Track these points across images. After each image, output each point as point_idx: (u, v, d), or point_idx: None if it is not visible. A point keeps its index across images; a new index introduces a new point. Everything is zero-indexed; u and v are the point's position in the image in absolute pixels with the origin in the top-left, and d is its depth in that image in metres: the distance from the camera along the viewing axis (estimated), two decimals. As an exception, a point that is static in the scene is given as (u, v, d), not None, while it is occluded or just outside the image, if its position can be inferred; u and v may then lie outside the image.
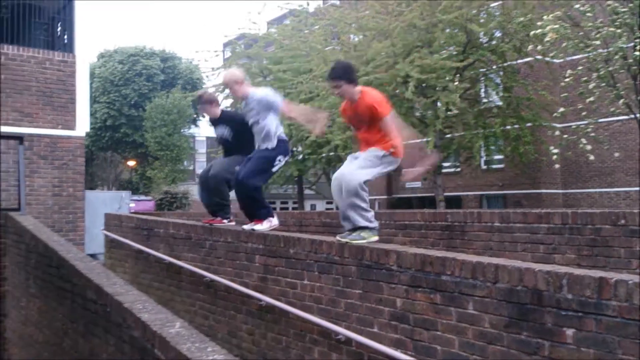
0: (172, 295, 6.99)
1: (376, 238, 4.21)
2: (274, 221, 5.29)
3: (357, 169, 3.97)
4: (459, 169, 24.54)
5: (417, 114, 18.43)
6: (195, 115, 37.82)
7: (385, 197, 29.25)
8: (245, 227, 5.27)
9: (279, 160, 5.03)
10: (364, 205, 4.01)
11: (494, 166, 24.17)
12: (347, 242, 4.18)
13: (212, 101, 5.99)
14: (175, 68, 40.32)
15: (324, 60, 17.74)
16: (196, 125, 40.49)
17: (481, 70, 18.65)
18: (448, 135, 18.39)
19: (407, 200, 28.65)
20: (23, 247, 7.17)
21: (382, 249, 4.09)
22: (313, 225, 7.89)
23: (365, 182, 3.97)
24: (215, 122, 5.98)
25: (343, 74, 3.98)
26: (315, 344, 4.70)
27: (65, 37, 11.81)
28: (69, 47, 11.56)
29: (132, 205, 19.47)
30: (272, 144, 4.96)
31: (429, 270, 3.73)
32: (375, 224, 4.18)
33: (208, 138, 42.96)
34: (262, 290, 5.48)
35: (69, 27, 11.69)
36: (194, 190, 24.33)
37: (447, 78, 16.62)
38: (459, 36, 17.25)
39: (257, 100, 4.99)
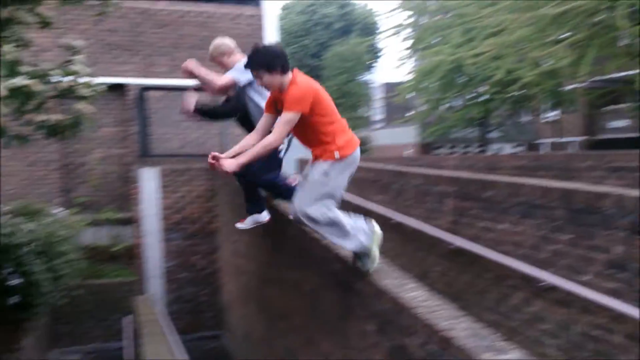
0: (362, 236, 7.32)
1: (376, 246, 3.67)
2: (262, 217, 4.96)
3: (306, 199, 3.42)
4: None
5: (624, 42, 16.12)
6: (371, 62, 38.12)
7: (584, 137, 26.64)
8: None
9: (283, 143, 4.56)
10: (332, 230, 3.49)
11: None
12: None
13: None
14: (351, 14, 40.73)
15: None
16: (372, 72, 40.85)
17: None
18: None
19: (610, 142, 25.73)
20: (230, 188, 8.07)
21: (595, 192, 3.76)
22: (505, 168, 7.54)
23: (324, 209, 3.44)
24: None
25: (261, 63, 3.39)
26: (514, 289, 4.58)
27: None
28: (256, 2, 12.28)
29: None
30: None
31: (655, 216, 3.35)
32: (364, 229, 3.59)
33: (384, 84, 43.08)
34: (454, 233, 5.45)
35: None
36: (373, 137, 24.73)
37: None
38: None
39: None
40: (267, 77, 3.40)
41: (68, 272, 6.38)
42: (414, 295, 3.44)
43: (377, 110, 44.26)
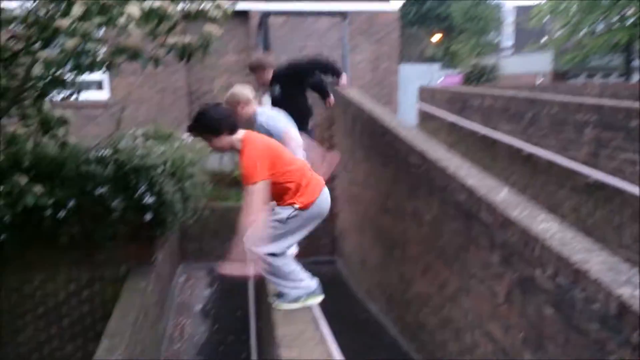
0: (486, 168, 7.04)
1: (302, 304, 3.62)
2: None
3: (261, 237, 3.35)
4: None
5: None
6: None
7: None
8: None
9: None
10: (270, 268, 3.49)
11: None
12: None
13: (257, 67, 5.46)
14: None
15: None
16: (503, -6, 37.80)
17: None
18: None
19: None
20: (349, 117, 8.06)
21: None
22: (658, 96, 6.74)
23: (273, 254, 3.43)
24: (270, 86, 5.52)
25: (206, 127, 3.34)
26: (660, 228, 4.18)
27: None
28: None
29: (441, 79, 19.85)
30: None
31: None
32: (304, 287, 3.60)
33: (516, 7, 39.84)
34: (592, 166, 5.04)
35: None
36: (501, 65, 23.25)
37: None
38: None
39: (259, 124, 4.46)
40: (215, 141, 3.35)
41: (195, 193, 6.84)
42: (545, 227, 3.26)
43: (506, 36, 41.35)
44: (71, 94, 5.10)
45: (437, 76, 15.78)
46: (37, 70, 4.35)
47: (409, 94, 10.86)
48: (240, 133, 3.36)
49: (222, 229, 9.35)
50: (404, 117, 12.39)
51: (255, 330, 6.02)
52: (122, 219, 5.33)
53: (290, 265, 3.56)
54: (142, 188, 5.56)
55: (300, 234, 3.48)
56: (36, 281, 5.68)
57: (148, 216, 5.41)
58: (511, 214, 3.46)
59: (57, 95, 5.07)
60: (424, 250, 5.11)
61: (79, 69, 4.22)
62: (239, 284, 8.78)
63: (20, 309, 5.71)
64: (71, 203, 4.96)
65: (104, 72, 4.75)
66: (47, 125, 5.29)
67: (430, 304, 4.97)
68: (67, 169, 5.15)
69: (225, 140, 3.33)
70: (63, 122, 5.46)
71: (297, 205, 3.34)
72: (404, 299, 5.84)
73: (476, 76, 19.94)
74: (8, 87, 4.69)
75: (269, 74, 5.43)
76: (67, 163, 5.21)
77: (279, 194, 3.37)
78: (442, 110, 8.18)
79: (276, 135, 4.19)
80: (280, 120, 4.49)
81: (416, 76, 14.41)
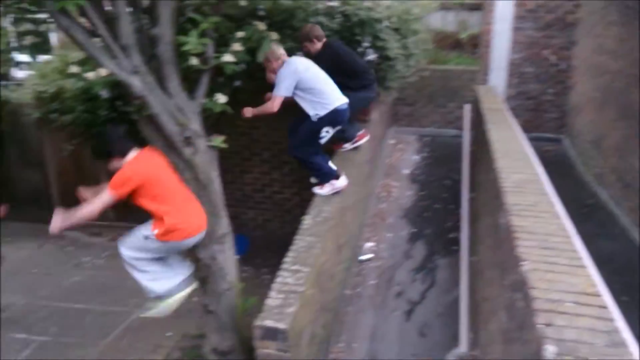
0: None
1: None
2: (338, 183, 4.71)
3: (127, 240, 3.73)
4: None
5: None
6: None
7: None
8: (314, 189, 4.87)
9: (327, 132, 4.67)
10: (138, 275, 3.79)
11: None
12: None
13: (305, 39, 5.11)
14: None
15: None
16: None
17: None
18: None
19: None
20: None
21: None
22: None
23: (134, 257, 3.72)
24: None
25: (102, 153, 3.66)
26: None
27: None
28: None
29: None
30: (317, 113, 4.59)
31: None
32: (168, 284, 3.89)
33: None
34: None
35: None
36: None
37: None
38: None
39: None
40: (112, 163, 3.58)
41: (417, 52, 6.65)
42: None
43: None
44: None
45: None
46: None
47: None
48: (132, 154, 3.59)
49: (437, 94, 9.14)
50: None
51: (467, 201, 5.98)
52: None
53: (151, 266, 3.80)
54: (366, 43, 5.56)
55: (161, 255, 3.76)
56: (263, 128, 6.25)
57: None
58: None
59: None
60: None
61: None
62: (451, 153, 8.71)
63: (250, 151, 6.40)
64: (299, 53, 5.17)
65: None
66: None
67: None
68: (297, 19, 5.31)
69: (119, 163, 3.58)
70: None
71: (155, 232, 3.59)
72: (647, 188, 5.19)
73: None
74: None
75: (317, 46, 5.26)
76: (297, 13, 5.36)
77: (149, 210, 3.61)
78: None
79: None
80: (287, 78, 4.50)
81: None
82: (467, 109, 8.23)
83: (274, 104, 4.53)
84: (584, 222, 5.86)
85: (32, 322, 5.36)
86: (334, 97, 4.60)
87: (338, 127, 4.75)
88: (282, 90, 4.50)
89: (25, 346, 4.98)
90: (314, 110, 4.56)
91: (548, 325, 2.07)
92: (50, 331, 5.22)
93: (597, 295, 2.23)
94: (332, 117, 4.59)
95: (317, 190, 4.73)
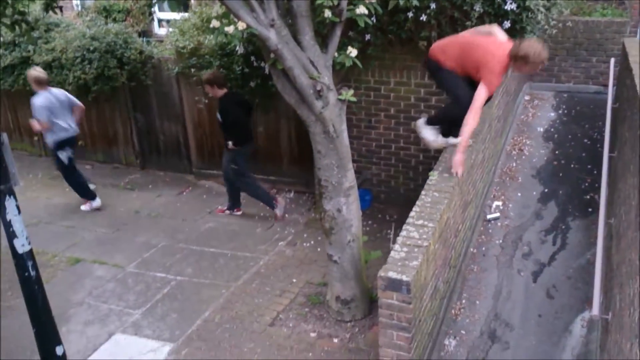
0: None
1: None
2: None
3: None
4: None
5: None
6: None
7: None
8: None
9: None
10: None
11: None
12: None
13: (207, 83, 6.28)
14: None
15: None
16: None
17: None
18: None
19: None
20: None
21: None
22: None
23: None
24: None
25: None
26: None
27: None
28: None
29: None
30: None
31: None
32: None
33: None
34: None
35: None
36: None
37: None
38: None
39: None
40: None
41: (559, 2, 6.27)
42: None
43: None
44: None
45: None
46: None
47: None
48: None
49: (579, 48, 8.56)
50: None
51: (607, 161, 5.63)
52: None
53: None
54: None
55: None
56: (391, 83, 6.27)
57: (507, 24, 5.23)
58: None
59: None
60: None
61: None
62: (590, 110, 8.18)
63: (376, 106, 6.46)
64: (433, 6, 5.09)
65: None
66: None
67: None
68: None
69: None
70: None
71: None
72: None
73: None
74: None
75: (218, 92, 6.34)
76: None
77: None
78: None
79: None
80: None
81: None
82: (613, 63, 7.65)
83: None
84: None
85: (171, 263, 5.95)
86: None
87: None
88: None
89: (165, 284, 5.56)
90: None
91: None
92: (186, 272, 5.75)
93: None
94: None
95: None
